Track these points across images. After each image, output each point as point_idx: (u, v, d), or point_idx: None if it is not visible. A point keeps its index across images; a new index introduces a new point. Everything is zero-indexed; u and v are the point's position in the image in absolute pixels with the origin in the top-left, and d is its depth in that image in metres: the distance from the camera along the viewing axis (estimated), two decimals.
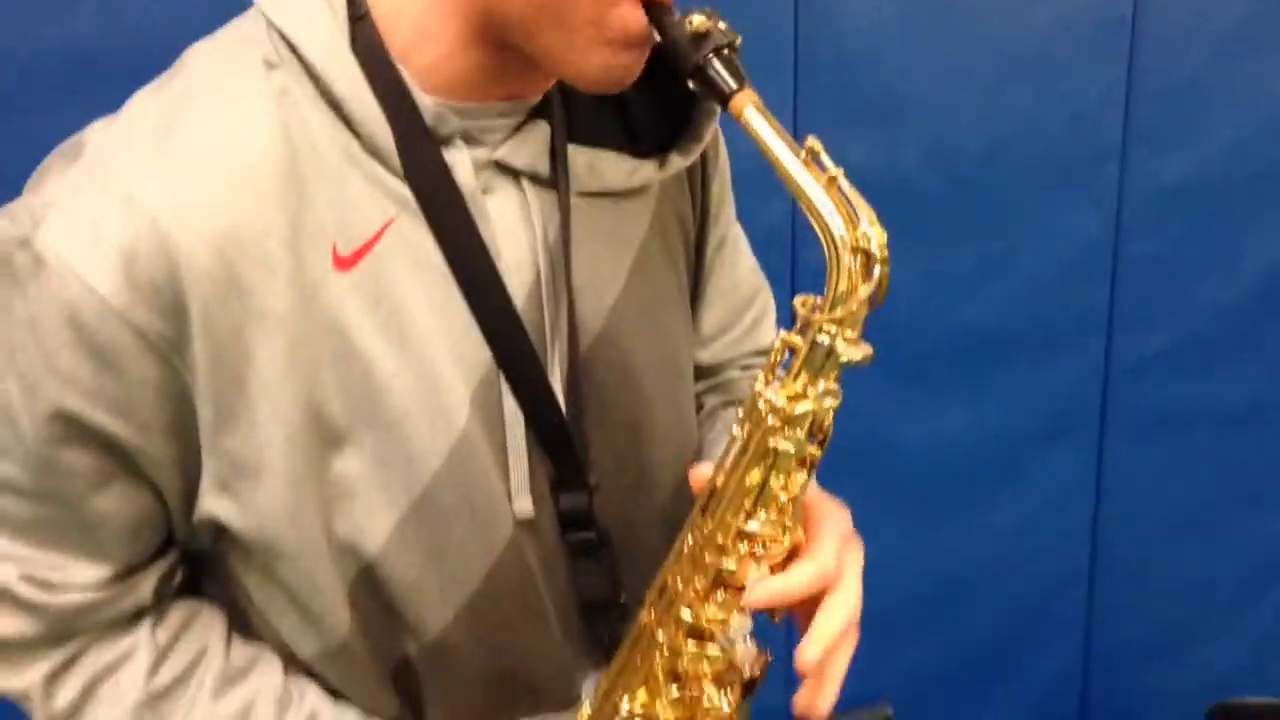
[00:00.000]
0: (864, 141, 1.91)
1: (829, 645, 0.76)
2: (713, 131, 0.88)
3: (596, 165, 0.82)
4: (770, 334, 1.06)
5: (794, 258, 1.87)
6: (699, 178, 0.93)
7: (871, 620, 2.19)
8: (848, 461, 2.15)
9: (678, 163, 0.85)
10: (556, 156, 0.81)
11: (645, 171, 0.84)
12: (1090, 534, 2.24)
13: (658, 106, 0.84)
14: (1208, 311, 2.18)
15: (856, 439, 2.03)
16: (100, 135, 0.73)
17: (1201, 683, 2.27)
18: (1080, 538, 2.24)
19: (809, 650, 0.75)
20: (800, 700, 0.77)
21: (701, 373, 1.00)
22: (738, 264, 1.01)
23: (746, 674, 0.77)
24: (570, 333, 0.81)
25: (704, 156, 0.92)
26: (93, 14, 1.50)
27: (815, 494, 0.81)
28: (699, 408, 0.99)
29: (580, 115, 0.82)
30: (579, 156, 0.81)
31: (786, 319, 0.77)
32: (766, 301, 1.07)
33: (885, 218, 1.92)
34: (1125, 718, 2.28)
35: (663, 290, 0.89)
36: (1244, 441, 2.27)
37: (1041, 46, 1.94)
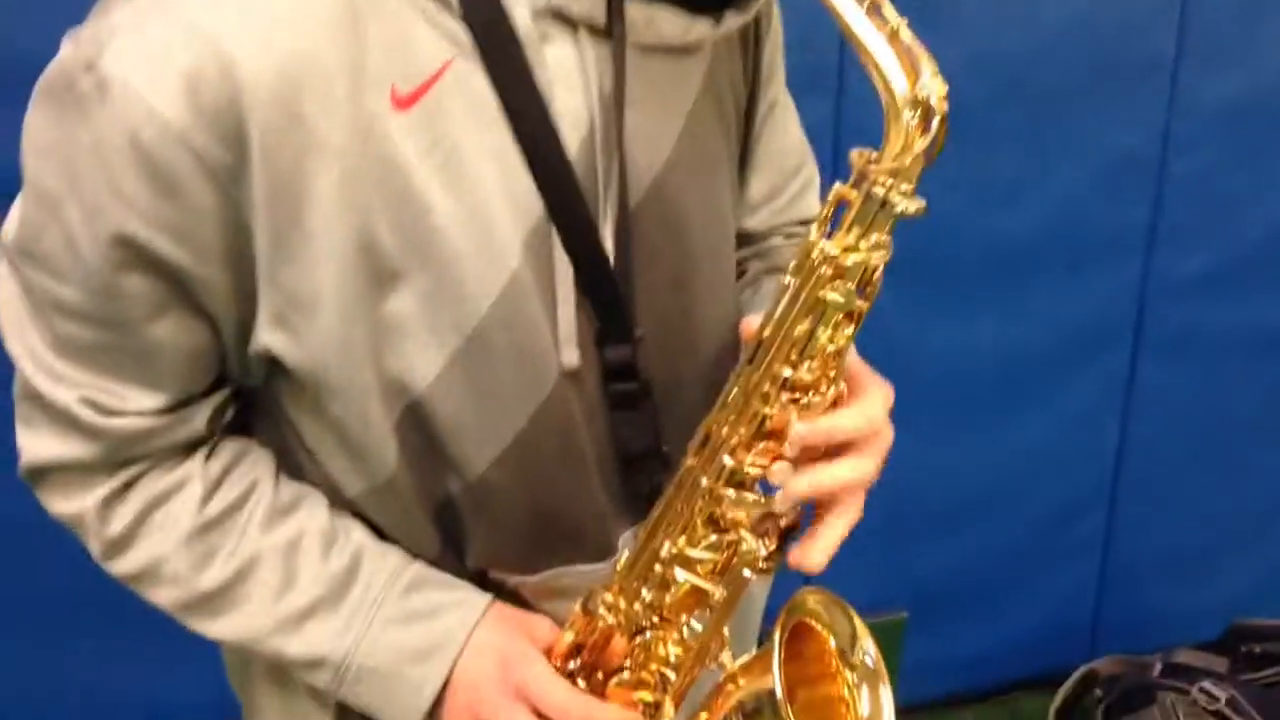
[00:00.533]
0: None
1: (833, 487, 0.78)
2: None
3: (654, 19, 0.82)
4: (815, 205, 1.06)
5: (836, 156, 1.87)
6: (751, 41, 0.93)
7: (891, 527, 2.23)
8: (880, 367, 2.15)
9: (733, 21, 0.84)
10: (613, 10, 0.80)
11: (701, 28, 0.83)
12: (1115, 453, 2.25)
13: None
14: (1249, 236, 2.17)
15: (885, 345, 2.03)
16: None
17: (1216, 605, 2.29)
18: (1105, 456, 2.25)
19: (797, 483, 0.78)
20: (795, 553, 0.79)
21: (745, 239, 1.00)
22: (787, 131, 1.01)
23: (784, 521, 0.79)
24: (621, 186, 0.81)
25: (757, 20, 0.91)
26: None
27: (859, 363, 0.82)
28: (740, 273, 1.00)
29: None
30: (636, 10, 0.81)
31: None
32: (812, 173, 1.07)
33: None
34: (1137, 637, 2.30)
35: (712, 150, 0.89)
36: (1274, 369, 2.27)
37: None
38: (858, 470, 0.79)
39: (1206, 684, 1.99)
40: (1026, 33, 1.92)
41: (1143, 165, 2.07)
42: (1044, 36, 1.93)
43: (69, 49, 0.72)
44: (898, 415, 2.23)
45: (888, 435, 0.82)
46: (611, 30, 0.80)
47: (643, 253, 0.83)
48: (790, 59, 1.00)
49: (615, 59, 0.80)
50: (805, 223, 1.05)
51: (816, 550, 0.80)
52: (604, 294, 0.81)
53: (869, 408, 0.79)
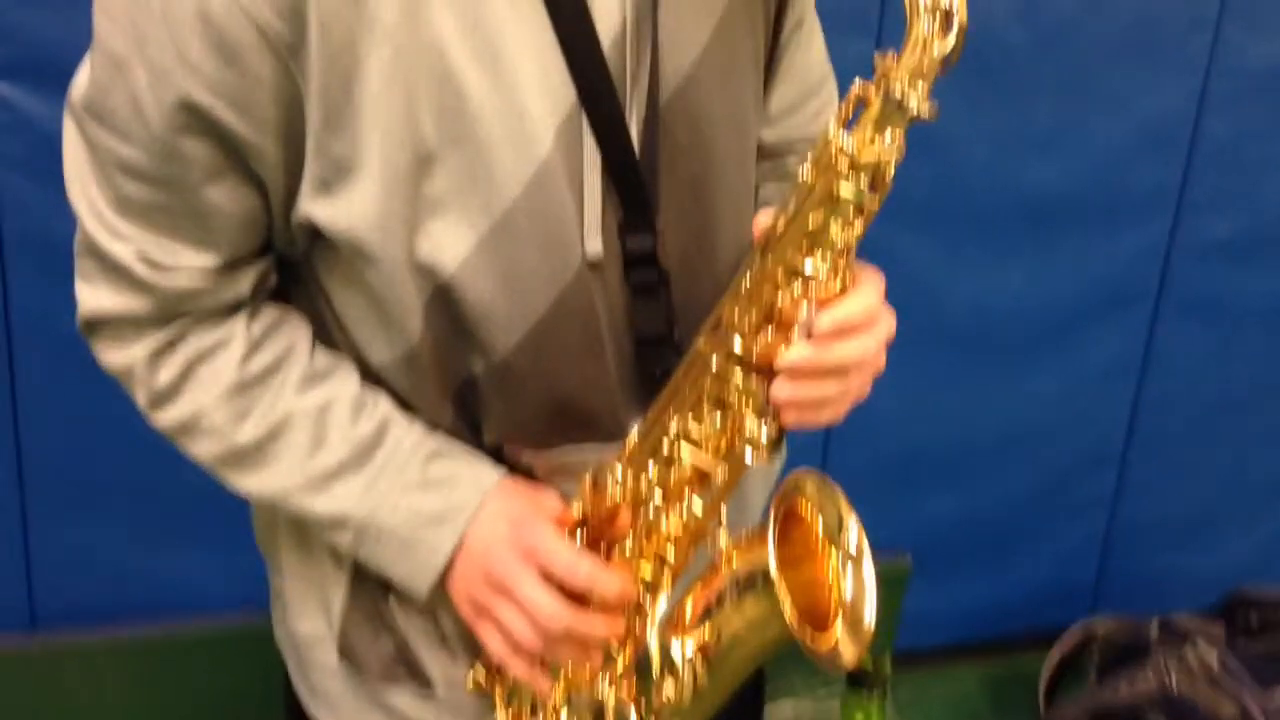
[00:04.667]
0: None
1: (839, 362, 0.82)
2: None
3: None
4: None
5: None
6: None
7: (900, 469, 2.26)
8: (902, 311, 2.19)
9: None
10: None
11: None
12: (1130, 411, 2.27)
13: None
14: (1278, 205, 2.17)
15: (912, 288, 2.06)
16: None
17: (1221, 569, 2.32)
18: (1119, 414, 2.28)
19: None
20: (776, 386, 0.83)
21: (762, 152, 1.03)
22: (811, 47, 1.03)
23: None
24: (651, 83, 0.84)
25: None
26: None
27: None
28: (756, 189, 1.04)
29: None
30: None
31: None
32: (832, 92, 1.09)
33: (965, 67, 1.92)
34: (1140, 595, 2.33)
35: (740, 56, 0.92)
36: None
37: None
38: (863, 348, 0.83)
39: (1201, 645, 2.02)
40: None
41: (1178, 125, 2.08)
42: None
43: None
44: (920, 357, 2.27)
45: (888, 321, 0.86)
46: None
47: (667, 150, 0.87)
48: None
49: None
50: None
51: (783, 385, 0.82)
52: (628, 185, 0.85)
53: (868, 296, 0.82)
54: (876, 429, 2.06)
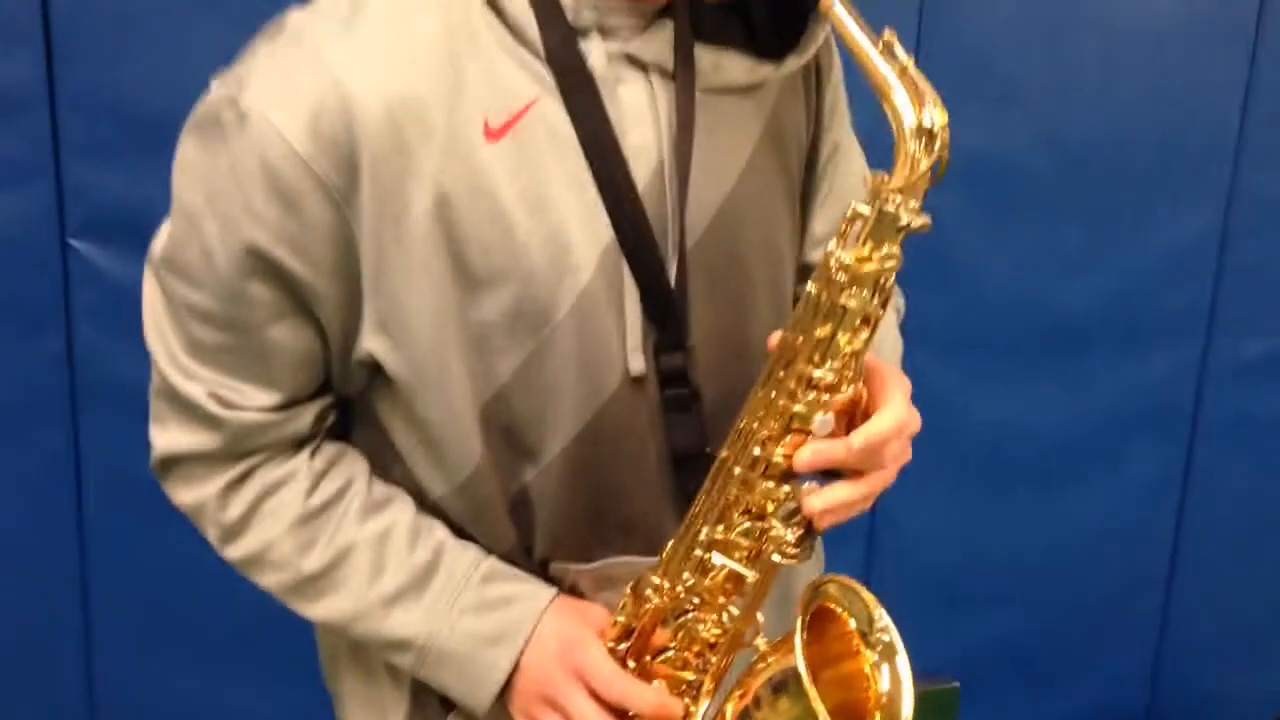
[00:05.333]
0: (978, 120, 1.97)
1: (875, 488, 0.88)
2: (824, 34, 0.97)
3: (721, 62, 0.93)
4: None
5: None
6: (813, 85, 1.02)
7: (946, 596, 2.26)
8: (936, 436, 2.22)
9: (793, 63, 0.94)
10: (681, 53, 0.91)
11: (764, 70, 0.94)
12: (1173, 533, 2.26)
13: (777, 15, 0.94)
14: None
15: (946, 414, 2.10)
16: (298, 16, 0.87)
17: (1274, 688, 2.28)
18: (1162, 536, 2.27)
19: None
20: (806, 498, 0.88)
21: (809, 271, 1.09)
22: (851, 172, 1.10)
23: None
24: (685, 215, 0.92)
25: (819, 67, 1.02)
26: None
27: (877, 360, 0.91)
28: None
29: (707, 18, 0.93)
30: (705, 54, 0.92)
31: None
32: None
33: (993, 196, 2.02)
34: (1194, 718, 2.30)
35: (772, 183, 0.99)
36: None
37: (1163, 37, 1.99)
38: (892, 454, 0.88)
39: None
40: (1095, 117, 2.01)
41: (1204, 248, 2.12)
42: (1112, 121, 2.02)
43: (217, 87, 0.85)
44: (960, 484, 2.29)
45: (915, 423, 0.91)
46: (679, 72, 0.91)
47: (703, 276, 0.94)
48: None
49: (683, 99, 0.91)
50: None
51: (817, 498, 0.88)
52: (662, 310, 0.91)
53: (897, 408, 0.88)
54: (919, 554, 2.09)
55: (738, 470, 0.88)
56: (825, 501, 0.87)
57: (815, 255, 1.09)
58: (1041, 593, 2.24)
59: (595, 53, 0.88)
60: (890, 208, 0.80)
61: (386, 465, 0.97)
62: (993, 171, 2.00)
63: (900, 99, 0.79)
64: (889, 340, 1.09)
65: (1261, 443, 2.24)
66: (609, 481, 0.95)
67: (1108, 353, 2.15)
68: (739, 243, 0.96)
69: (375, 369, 0.90)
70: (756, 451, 0.87)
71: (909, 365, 2.05)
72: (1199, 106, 2.03)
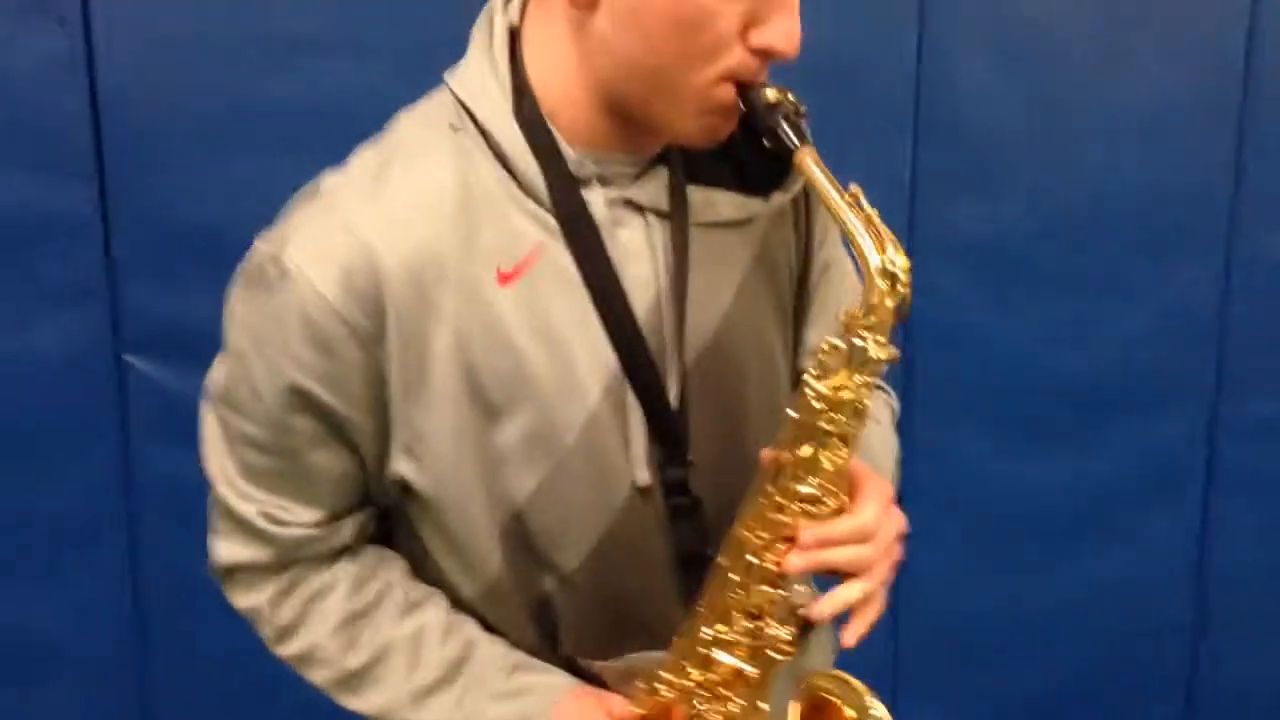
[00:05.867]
0: (975, 198, 2.07)
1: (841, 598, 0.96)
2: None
3: (712, 200, 1.03)
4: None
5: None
6: (803, 211, 1.12)
7: (968, 663, 2.31)
8: (951, 505, 2.29)
9: (780, 199, 1.05)
10: (675, 194, 1.02)
11: (753, 206, 1.04)
12: (1192, 592, 2.29)
13: (765, 154, 1.01)
14: None
15: (960, 483, 2.18)
16: (331, 179, 0.98)
17: None
18: (1181, 595, 2.30)
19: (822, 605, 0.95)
20: (813, 608, 0.96)
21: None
22: (842, 288, 1.18)
23: (803, 610, 0.96)
24: (684, 340, 1.01)
25: (808, 196, 1.11)
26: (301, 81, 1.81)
27: (861, 467, 0.99)
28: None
29: (699, 161, 1.03)
30: (697, 194, 1.02)
31: None
32: None
33: (995, 271, 2.10)
34: None
35: (764, 306, 1.09)
36: None
37: (1153, 116, 2.07)
38: (854, 558, 0.96)
39: None
40: (1091, 191, 2.09)
41: (1205, 313, 2.18)
42: (1108, 195, 2.09)
43: (261, 245, 0.96)
44: (976, 552, 2.35)
45: (889, 526, 0.98)
46: (673, 213, 1.01)
47: (702, 395, 1.03)
48: None
49: (678, 236, 1.01)
50: None
51: (822, 604, 0.96)
52: (664, 428, 1.01)
53: (863, 514, 0.96)
54: (945, 618, 2.14)
55: (734, 576, 0.97)
56: (823, 609, 0.96)
57: (809, 364, 1.18)
58: (1067, 652, 2.28)
59: (596, 200, 0.98)
60: (860, 342, 0.90)
61: (421, 566, 1.07)
62: (992, 247, 2.09)
63: (867, 245, 0.89)
64: (881, 443, 1.17)
65: (1275, 497, 2.27)
66: (624, 585, 1.04)
67: (1117, 416, 2.20)
68: (734, 361, 1.05)
69: (405, 487, 1.00)
70: (751, 559, 0.96)
71: (923, 436, 2.11)
72: (1192, 177, 2.10)
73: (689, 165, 1.03)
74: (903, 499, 1.03)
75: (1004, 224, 2.09)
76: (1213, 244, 2.15)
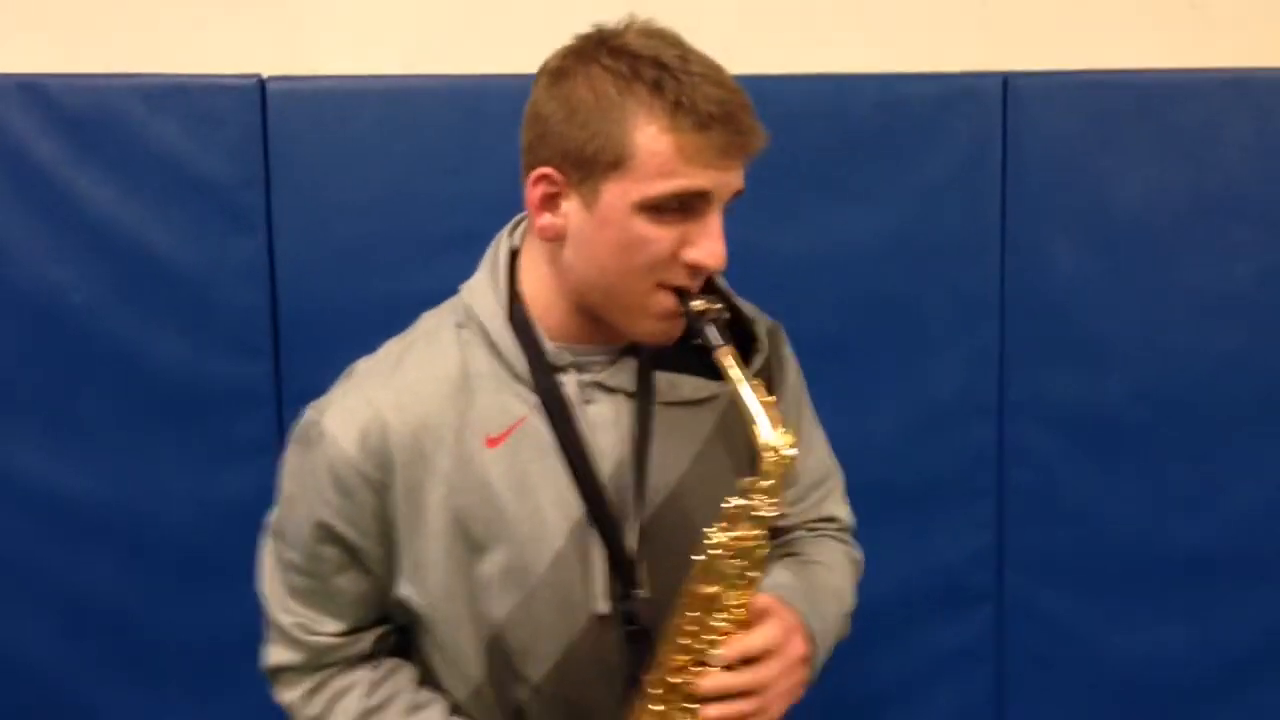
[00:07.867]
0: (1069, 378, 2.16)
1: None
2: (763, 358, 1.28)
3: (675, 383, 1.26)
4: (835, 505, 1.44)
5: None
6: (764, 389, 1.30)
7: None
8: (1072, 668, 2.31)
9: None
10: (642, 378, 1.24)
11: (712, 387, 1.26)
12: None
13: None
14: None
15: (1080, 647, 2.21)
16: (364, 364, 1.27)
17: None
18: None
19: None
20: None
21: (776, 533, 1.37)
22: (810, 454, 1.39)
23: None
24: (645, 497, 1.23)
25: (771, 376, 1.31)
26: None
27: (769, 600, 1.18)
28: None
29: (667, 351, 1.25)
30: (662, 379, 1.25)
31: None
32: (835, 482, 1.45)
33: (1095, 442, 2.19)
34: None
35: (719, 470, 1.28)
36: None
37: (1247, 293, 2.13)
38: (751, 679, 1.14)
39: None
40: (1186, 369, 2.15)
41: None
42: (1204, 370, 2.15)
43: (310, 411, 1.24)
44: (1083, 715, 2.33)
45: (791, 649, 1.17)
46: (639, 394, 1.24)
47: (659, 543, 1.23)
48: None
49: (641, 412, 1.24)
50: (828, 520, 1.43)
51: (711, 678, 1.14)
52: (622, 569, 1.22)
53: (750, 642, 1.15)
54: None
55: (659, 691, 1.17)
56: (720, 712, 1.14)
57: (781, 522, 1.37)
58: None
59: (569, 383, 1.22)
60: (751, 501, 1.10)
61: (425, 674, 1.29)
62: (1090, 418, 2.15)
63: (762, 423, 1.09)
64: (834, 590, 1.34)
65: None
66: (584, 696, 1.24)
67: (1233, 585, 2.19)
68: (688, 515, 1.24)
69: (408, 607, 1.24)
70: (671, 679, 1.16)
71: (1035, 598, 2.15)
72: None
73: (658, 354, 1.26)
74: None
75: (1097, 398, 2.15)
76: None
